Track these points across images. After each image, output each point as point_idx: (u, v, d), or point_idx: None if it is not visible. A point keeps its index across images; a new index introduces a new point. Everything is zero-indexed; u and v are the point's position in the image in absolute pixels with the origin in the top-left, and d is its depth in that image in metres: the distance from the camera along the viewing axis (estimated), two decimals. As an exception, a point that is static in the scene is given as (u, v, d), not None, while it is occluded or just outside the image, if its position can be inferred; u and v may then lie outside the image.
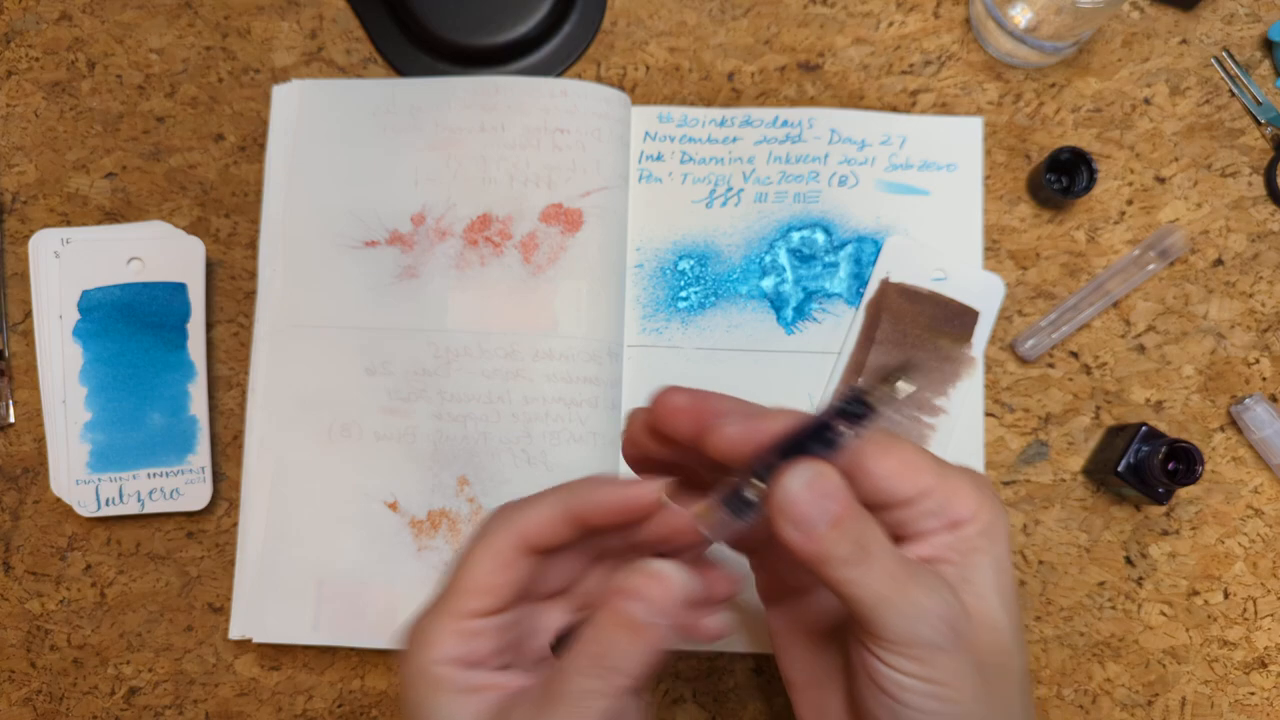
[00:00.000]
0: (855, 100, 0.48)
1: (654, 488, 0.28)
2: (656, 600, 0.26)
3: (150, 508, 0.45)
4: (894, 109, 0.48)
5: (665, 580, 0.27)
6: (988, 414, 0.46)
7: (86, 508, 0.44)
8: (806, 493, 0.26)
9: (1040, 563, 0.45)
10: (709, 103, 0.48)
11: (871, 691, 0.27)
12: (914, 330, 0.45)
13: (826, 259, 0.46)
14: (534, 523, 0.29)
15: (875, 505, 0.28)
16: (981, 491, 0.28)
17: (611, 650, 0.26)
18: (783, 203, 0.47)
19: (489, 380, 0.44)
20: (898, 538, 0.28)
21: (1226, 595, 0.45)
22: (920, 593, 0.26)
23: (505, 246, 0.45)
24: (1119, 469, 0.43)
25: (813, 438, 0.26)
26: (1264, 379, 0.46)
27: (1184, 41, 0.48)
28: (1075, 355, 0.46)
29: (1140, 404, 0.46)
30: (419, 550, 0.44)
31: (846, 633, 0.29)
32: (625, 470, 0.45)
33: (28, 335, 0.46)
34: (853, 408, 0.26)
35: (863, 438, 0.27)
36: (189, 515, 0.45)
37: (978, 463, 0.45)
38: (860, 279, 0.46)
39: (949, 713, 0.26)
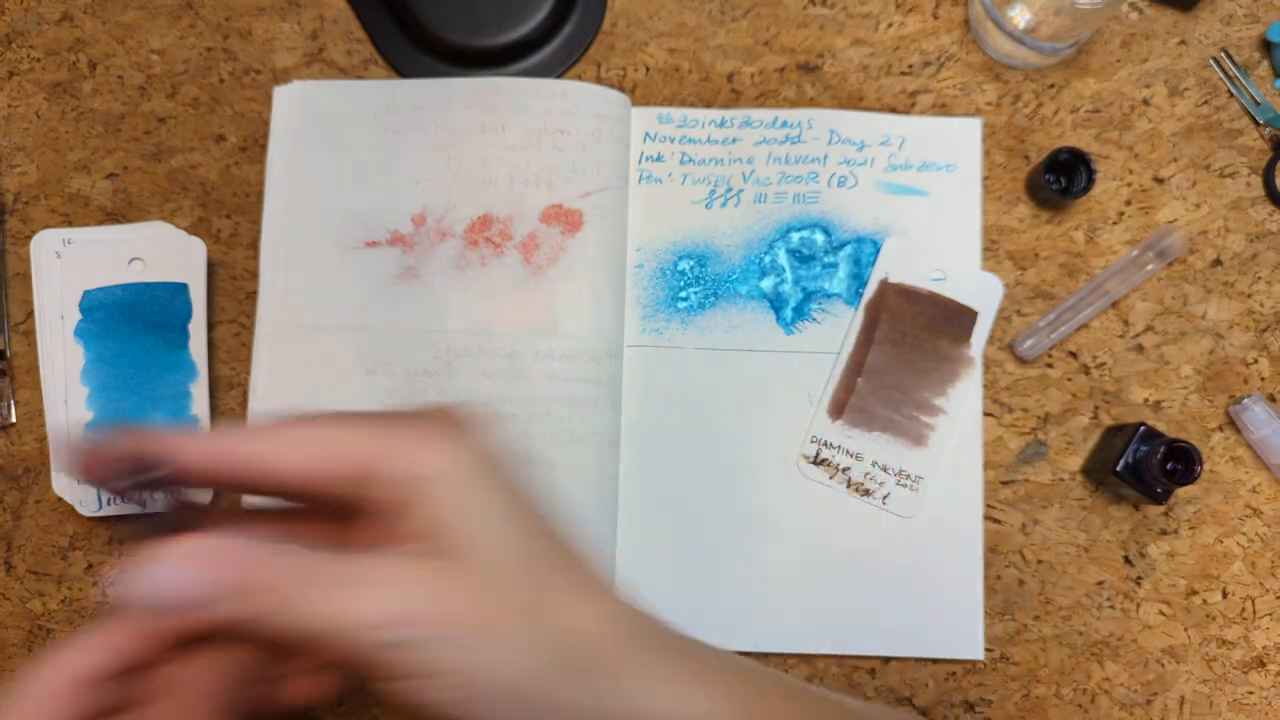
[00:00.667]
0: (854, 101, 0.48)
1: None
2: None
3: (152, 507, 0.45)
4: (893, 110, 0.48)
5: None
6: (986, 414, 0.46)
7: (88, 507, 0.44)
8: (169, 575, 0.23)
9: (1039, 562, 0.45)
10: (709, 104, 0.48)
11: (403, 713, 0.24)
12: (913, 330, 0.45)
13: (826, 259, 0.46)
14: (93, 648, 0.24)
15: (321, 500, 0.25)
16: (439, 431, 0.25)
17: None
18: (782, 203, 0.47)
19: (490, 380, 0.45)
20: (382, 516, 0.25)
21: (1225, 595, 0.45)
22: (366, 600, 0.23)
23: (506, 247, 0.46)
24: (1117, 469, 0.43)
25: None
26: (1262, 379, 0.46)
27: (1183, 42, 0.48)
28: (1074, 355, 0.46)
29: (1139, 404, 0.46)
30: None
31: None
32: (624, 469, 0.45)
33: (29, 335, 0.46)
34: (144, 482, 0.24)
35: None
36: (190, 515, 0.46)
37: (976, 462, 0.45)
38: (859, 279, 0.46)
39: (471, 695, 0.23)
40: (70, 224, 0.47)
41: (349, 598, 0.23)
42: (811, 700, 0.30)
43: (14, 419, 0.46)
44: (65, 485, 0.45)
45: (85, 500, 0.44)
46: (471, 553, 0.24)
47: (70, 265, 0.45)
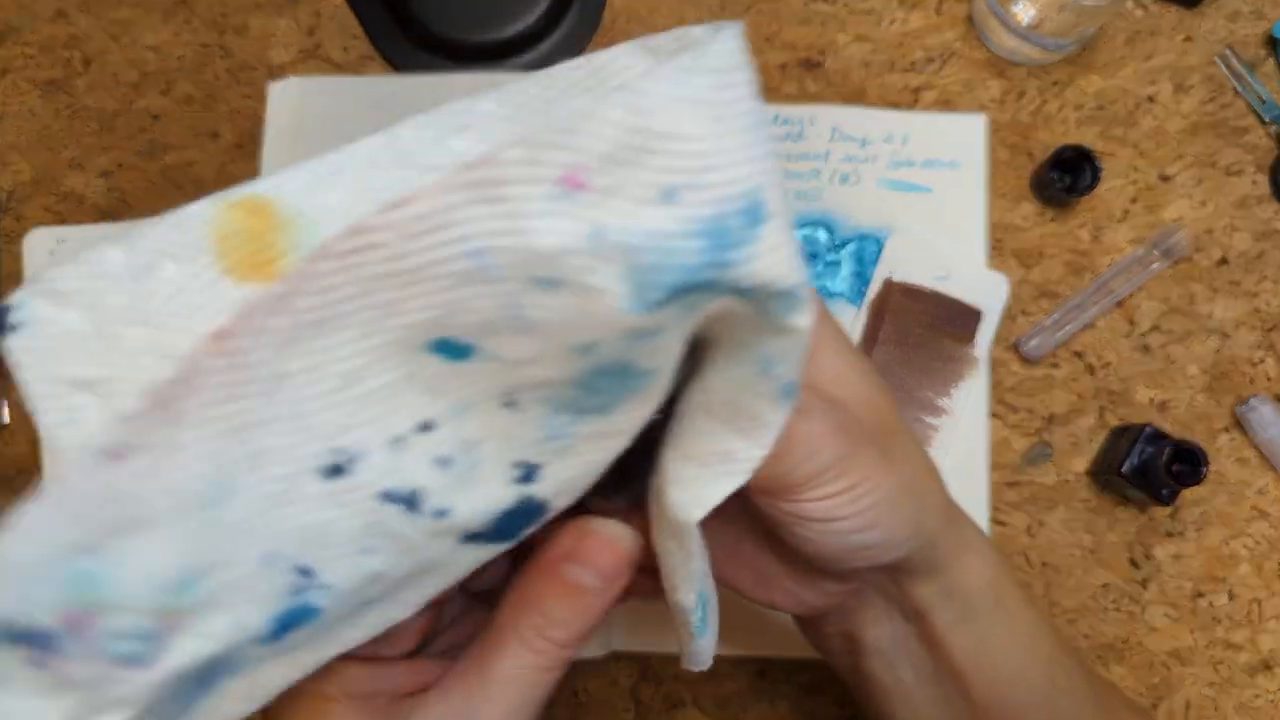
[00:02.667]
0: (857, 98, 0.48)
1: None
2: (606, 566, 0.25)
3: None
4: (896, 106, 0.47)
5: (616, 544, 0.25)
6: (992, 415, 0.45)
7: (81, 509, 0.44)
8: None
9: (1044, 564, 0.45)
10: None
11: (800, 530, 0.27)
12: (916, 329, 0.45)
13: (828, 257, 0.46)
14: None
15: None
16: None
17: (556, 619, 0.24)
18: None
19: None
20: None
21: (1231, 597, 0.44)
22: (803, 426, 0.25)
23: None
24: (1123, 470, 0.42)
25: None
26: (1269, 379, 0.45)
27: (1188, 39, 0.48)
28: (1079, 355, 0.46)
29: (1144, 404, 0.45)
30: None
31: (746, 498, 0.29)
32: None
33: (22, 335, 0.46)
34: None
35: None
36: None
37: (981, 464, 0.44)
38: (862, 278, 0.46)
39: (876, 499, 0.26)
40: (64, 222, 0.47)
41: (789, 428, 0.24)
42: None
43: (7, 419, 0.46)
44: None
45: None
46: (856, 399, 0.27)
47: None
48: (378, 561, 0.21)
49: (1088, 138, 0.47)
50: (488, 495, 0.21)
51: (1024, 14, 0.45)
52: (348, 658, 0.24)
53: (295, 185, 0.19)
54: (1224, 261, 0.46)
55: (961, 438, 0.44)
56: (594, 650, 0.43)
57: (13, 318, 0.18)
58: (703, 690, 0.44)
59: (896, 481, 0.27)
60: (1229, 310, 0.46)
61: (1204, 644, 0.44)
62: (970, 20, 0.48)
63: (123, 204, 0.47)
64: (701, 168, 0.16)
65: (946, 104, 0.47)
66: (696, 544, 0.23)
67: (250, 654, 0.21)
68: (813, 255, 0.46)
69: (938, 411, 0.45)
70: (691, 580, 0.24)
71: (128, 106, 0.48)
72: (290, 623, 0.20)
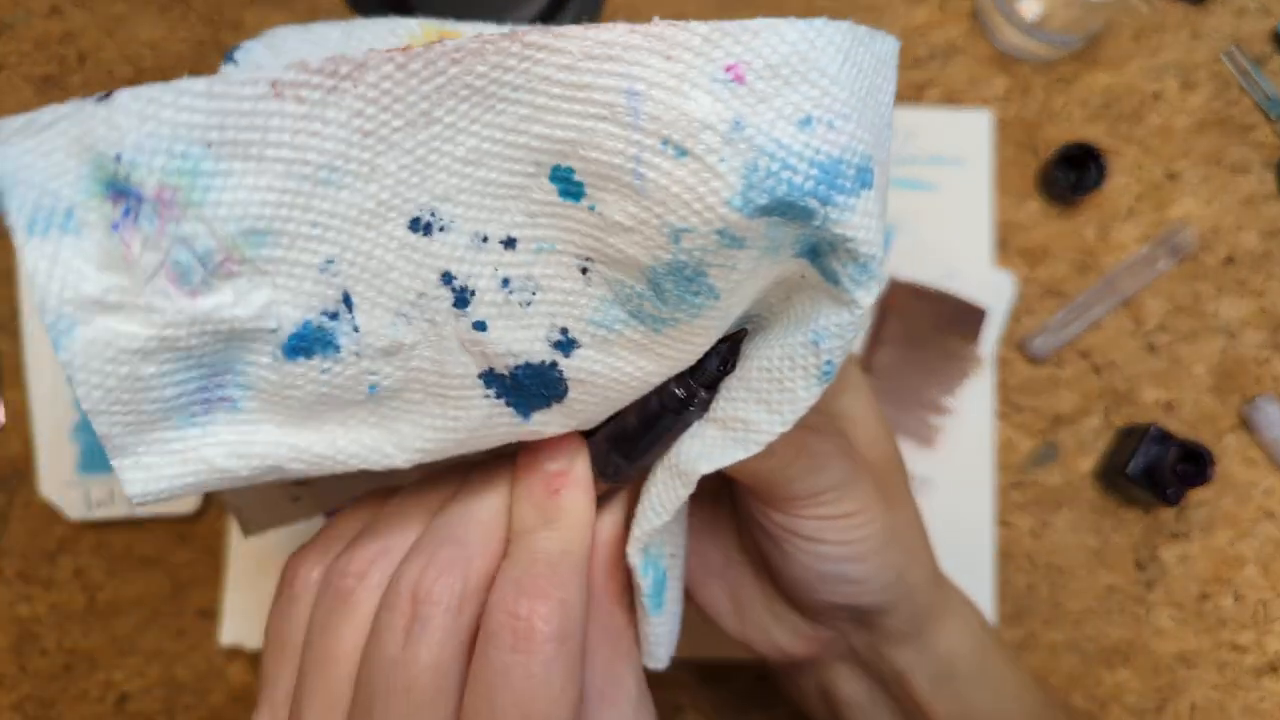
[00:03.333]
0: (860, 95, 0.47)
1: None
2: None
3: (140, 510, 0.44)
4: (900, 103, 0.47)
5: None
6: (997, 415, 0.45)
7: (75, 510, 0.43)
8: None
9: (1049, 566, 0.44)
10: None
11: (789, 546, 0.27)
12: (921, 328, 0.44)
13: (831, 256, 0.46)
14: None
15: None
16: None
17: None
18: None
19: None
20: None
21: (1237, 599, 0.44)
22: (818, 443, 0.26)
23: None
24: (1129, 471, 0.42)
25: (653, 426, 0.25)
26: (1276, 378, 0.45)
27: (1194, 35, 0.47)
28: (1085, 355, 0.45)
29: (1150, 404, 0.45)
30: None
31: (738, 507, 0.29)
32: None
33: (15, 335, 0.45)
34: (683, 400, 0.24)
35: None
36: (180, 519, 0.45)
37: (986, 464, 0.44)
38: (866, 277, 0.45)
39: (867, 533, 0.27)
40: (58, 220, 0.46)
41: (801, 444, 0.26)
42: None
43: (2, 419, 0.45)
44: (52, 487, 0.44)
45: (72, 503, 0.43)
46: (864, 436, 0.29)
47: (58, 262, 0.45)
48: (407, 334, 0.21)
49: (1094, 134, 0.47)
50: (524, 338, 0.22)
51: (1029, 9, 0.44)
52: None
53: (494, 31, 0.21)
54: (1230, 260, 0.46)
55: (966, 438, 0.44)
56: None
57: (236, 55, 0.22)
58: (701, 695, 0.44)
59: (889, 523, 0.28)
60: (1235, 309, 0.45)
61: (1210, 646, 0.44)
62: (975, 16, 0.48)
63: (118, 201, 0.47)
64: (842, 114, 0.19)
65: (951, 100, 0.47)
66: (674, 500, 0.24)
67: (259, 370, 0.21)
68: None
69: (942, 411, 0.44)
70: (650, 539, 0.25)
71: (123, 103, 0.47)
72: (307, 342, 0.21)
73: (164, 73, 0.48)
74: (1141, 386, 0.45)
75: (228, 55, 0.21)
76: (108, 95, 0.19)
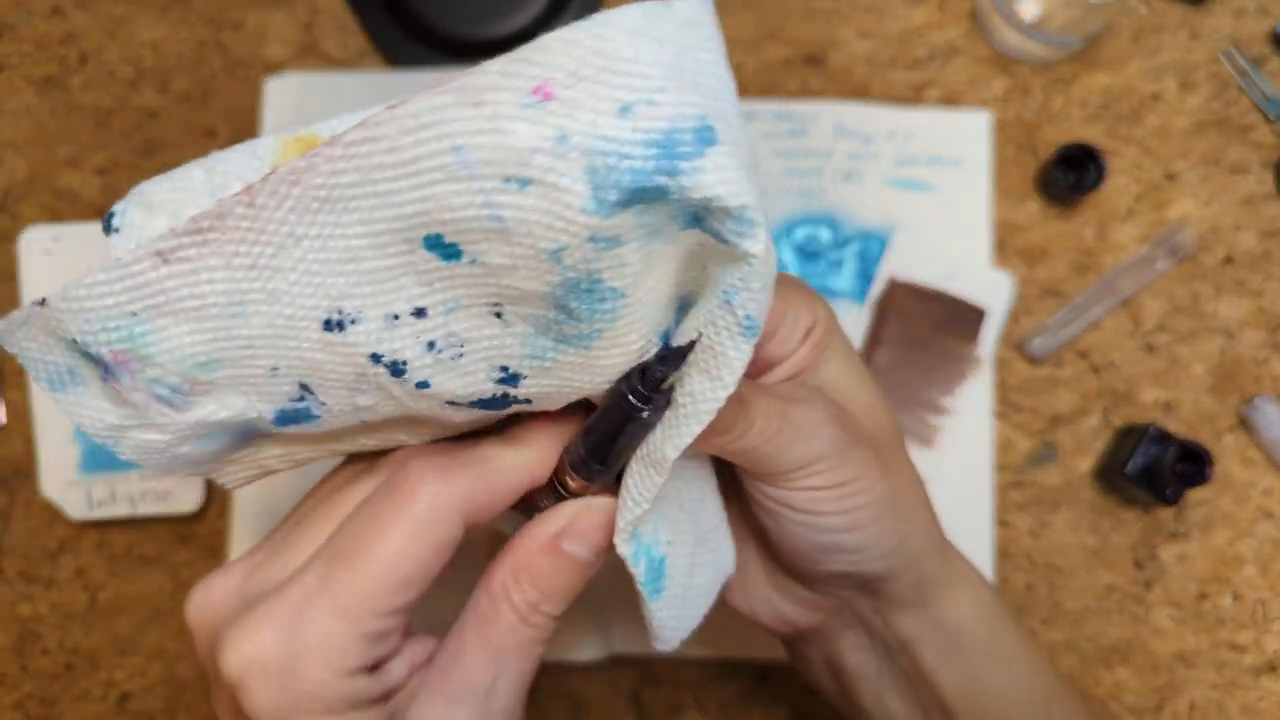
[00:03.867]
0: (860, 94, 0.47)
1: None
2: (601, 541, 0.25)
3: (142, 510, 0.44)
4: (900, 103, 0.47)
5: (607, 513, 0.26)
6: (996, 415, 0.45)
7: (77, 510, 0.44)
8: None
9: (1048, 566, 0.44)
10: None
11: (784, 519, 0.27)
12: (920, 329, 0.44)
13: (831, 256, 0.46)
14: (501, 485, 0.25)
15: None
16: (800, 288, 0.28)
17: (551, 594, 0.25)
18: (786, 198, 0.46)
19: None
20: (761, 368, 0.28)
21: (1236, 598, 0.44)
22: (802, 413, 0.26)
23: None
24: (1128, 470, 0.42)
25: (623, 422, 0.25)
26: (1274, 378, 0.45)
27: (1193, 36, 0.47)
28: (1084, 355, 0.45)
29: (1149, 404, 0.45)
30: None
31: (735, 483, 0.29)
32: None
33: (17, 334, 0.46)
34: (639, 402, 0.24)
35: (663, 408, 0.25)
36: (181, 518, 0.45)
37: (985, 464, 0.44)
38: (866, 277, 0.45)
39: (863, 502, 0.27)
40: (60, 220, 0.47)
41: (788, 416, 0.26)
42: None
43: (3, 419, 0.45)
44: (54, 487, 0.44)
45: (74, 503, 0.44)
46: (858, 405, 0.29)
47: (60, 262, 0.45)
48: (367, 400, 0.24)
49: (1092, 135, 0.47)
50: (469, 383, 0.23)
51: (1028, 10, 0.44)
52: (354, 673, 0.23)
53: (344, 125, 0.23)
54: (1229, 260, 0.46)
55: (965, 438, 0.44)
56: (594, 654, 0.43)
57: (115, 222, 0.24)
58: (704, 693, 0.44)
59: (885, 491, 0.27)
60: (1234, 309, 0.46)
61: (1209, 646, 0.44)
62: (974, 16, 0.48)
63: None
64: (657, 89, 0.19)
65: (950, 101, 0.47)
66: (651, 488, 0.24)
67: (268, 429, 0.25)
68: (815, 254, 0.46)
69: (941, 411, 0.44)
70: (638, 526, 0.26)
71: (124, 104, 0.48)
72: (292, 420, 0.24)
73: (164, 73, 0.48)
74: (1140, 386, 0.45)
75: (107, 224, 0.24)
76: (42, 301, 0.22)
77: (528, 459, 0.25)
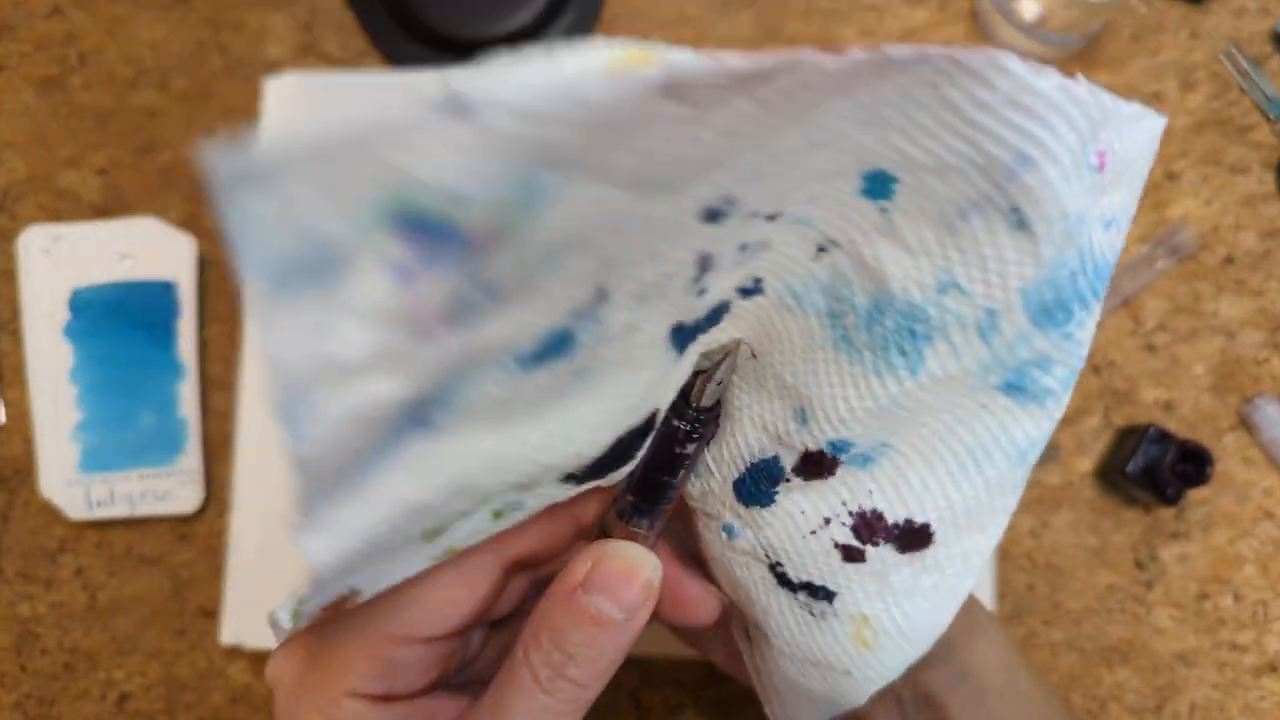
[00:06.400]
0: (859, 95, 0.47)
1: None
2: (627, 597, 0.22)
3: (141, 510, 0.44)
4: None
5: (636, 568, 0.22)
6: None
7: (76, 509, 0.43)
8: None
9: (1049, 566, 0.44)
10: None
11: None
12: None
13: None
14: (537, 532, 0.23)
15: None
16: None
17: (574, 654, 0.21)
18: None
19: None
20: None
21: (1236, 598, 0.44)
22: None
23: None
24: (1128, 470, 0.42)
25: (661, 469, 0.24)
26: (1274, 378, 0.45)
27: (1193, 36, 0.47)
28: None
29: (1150, 404, 0.45)
30: (415, 553, 0.43)
31: None
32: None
33: (16, 335, 0.45)
34: (687, 424, 0.23)
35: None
36: (180, 518, 0.45)
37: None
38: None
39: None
40: (59, 220, 0.46)
41: None
42: None
43: (2, 419, 0.45)
44: (53, 487, 0.44)
45: (73, 502, 0.43)
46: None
47: (59, 262, 0.45)
48: (638, 315, 0.20)
49: (1092, 135, 0.47)
50: (724, 287, 0.21)
51: (1029, 10, 0.44)
52: (357, 695, 0.21)
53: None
54: (1230, 260, 0.46)
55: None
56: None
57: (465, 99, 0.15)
58: (704, 693, 0.44)
59: None
60: (1235, 309, 0.45)
61: (1209, 645, 0.44)
62: (975, 16, 0.48)
63: (118, 202, 0.47)
64: (1127, 218, 0.19)
65: (950, 101, 0.47)
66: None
67: (482, 388, 0.18)
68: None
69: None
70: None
71: (123, 104, 0.48)
72: (549, 347, 0.18)
73: (164, 73, 0.48)
74: (1141, 386, 0.45)
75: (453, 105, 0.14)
76: (456, 101, 0.14)
77: (566, 512, 0.24)
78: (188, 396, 0.44)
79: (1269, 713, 0.43)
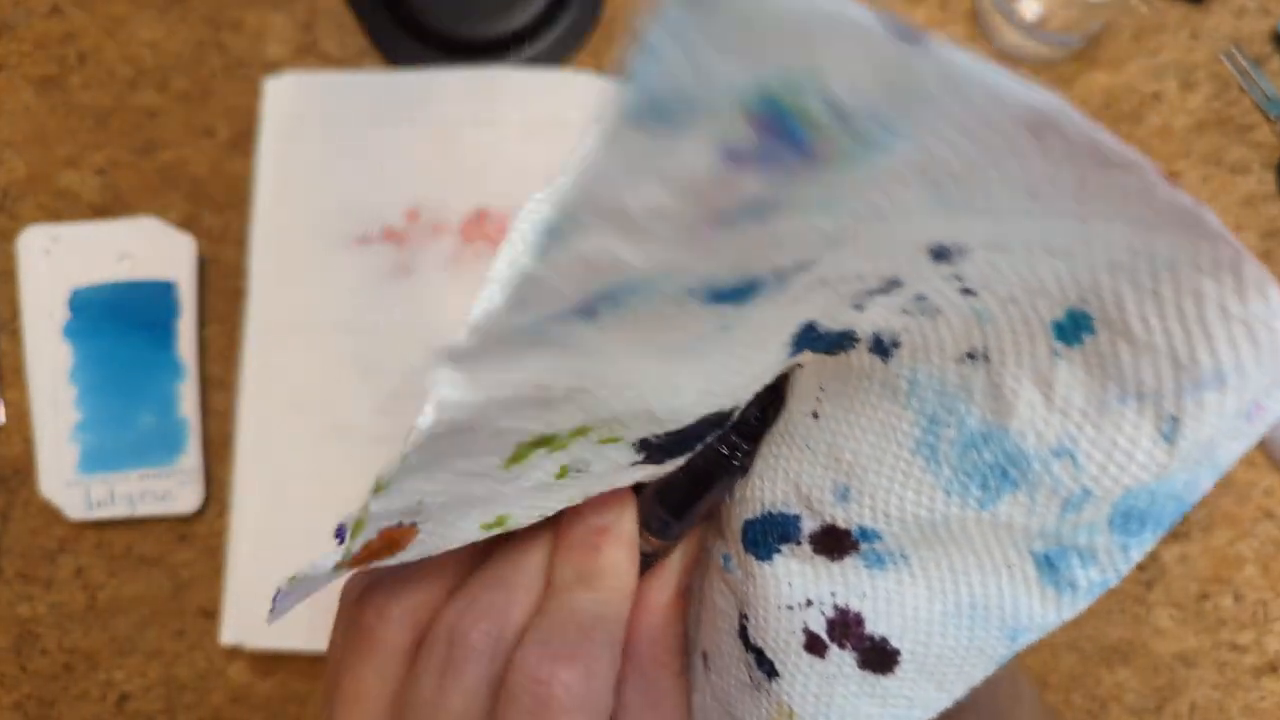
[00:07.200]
0: (860, 95, 0.47)
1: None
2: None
3: (141, 510, 0.44)
4: (899, 104, 0.47)
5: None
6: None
7: (76, 510, 0.43)
8: None
9: (1048, 566, 0.44)
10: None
11: None
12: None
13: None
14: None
15: None
16: None
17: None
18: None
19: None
20: None
21: (1237, 598, 0.44)
22: None
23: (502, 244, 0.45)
24: (1129, 470, 0.42)
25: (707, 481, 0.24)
26: (1275, 379, 0.45)
27: (1194, 36, 0.47)
28: (1084, 354, 0.45)
29: (1150, 404, 0.45)
30: (415, 553, 0.43)
31: None
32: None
33: (15, 334, 0.45)
34: (730, 449, 0.23)
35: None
36: (180, 518, 0.45)
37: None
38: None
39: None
40: (59, 220, 0.46)
41: None
42: None
43: (2, 419, 0.45)
44: (53, 487, 0.44)
45: (73, 503, 0.43)
46: None
47: (59, 262, 0.45)
48: (810, 296, 0.19)
49: (1093, 135, 0.47)
50: (880, 317, 0.21)
51: (1029, 10, 0.44)
52: None
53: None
54: (1230, 260, 0.46)
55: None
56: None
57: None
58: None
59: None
60: (1235, 309, 0.45)
61: (1209, 646, 0.44)
62: (975, 16, 0.48)
63: (117, 201, 0.47)
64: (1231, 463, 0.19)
65: (950, 101, 0.47)
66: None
67: (656, 301, 0.17)
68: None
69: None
70: None
71: (123, 103, 0.48)
72: (737, 294, 0.18)
73: (163, 72, 0.48)
74: (1141, 386, 0.45)
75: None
76: (907, 36, 0.13)
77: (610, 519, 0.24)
78: (187, 396, 0.44)
79: (1269, 713, 0.43)
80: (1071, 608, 0.20)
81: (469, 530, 0.22)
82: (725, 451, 0.23)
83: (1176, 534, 0.44)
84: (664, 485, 0.24)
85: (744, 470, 0.23)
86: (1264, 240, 0.46)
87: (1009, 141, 0.15)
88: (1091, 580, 0.19)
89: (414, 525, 0.21)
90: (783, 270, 0.17)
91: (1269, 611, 0.44)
